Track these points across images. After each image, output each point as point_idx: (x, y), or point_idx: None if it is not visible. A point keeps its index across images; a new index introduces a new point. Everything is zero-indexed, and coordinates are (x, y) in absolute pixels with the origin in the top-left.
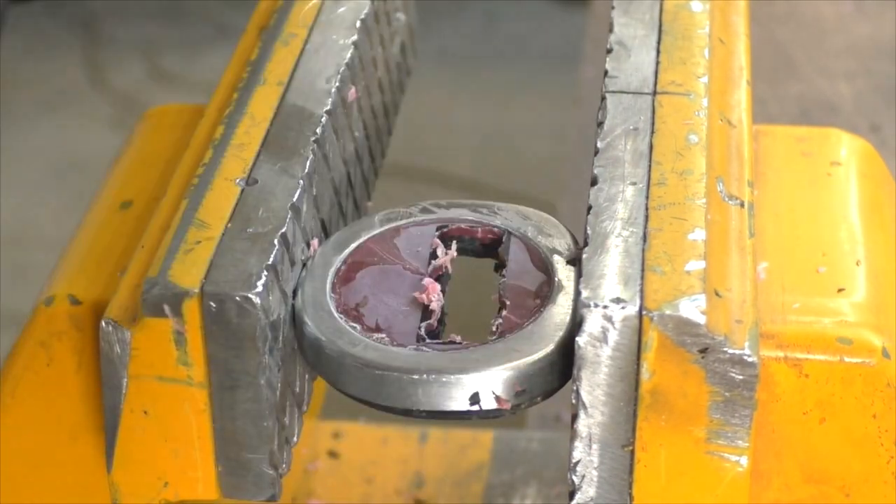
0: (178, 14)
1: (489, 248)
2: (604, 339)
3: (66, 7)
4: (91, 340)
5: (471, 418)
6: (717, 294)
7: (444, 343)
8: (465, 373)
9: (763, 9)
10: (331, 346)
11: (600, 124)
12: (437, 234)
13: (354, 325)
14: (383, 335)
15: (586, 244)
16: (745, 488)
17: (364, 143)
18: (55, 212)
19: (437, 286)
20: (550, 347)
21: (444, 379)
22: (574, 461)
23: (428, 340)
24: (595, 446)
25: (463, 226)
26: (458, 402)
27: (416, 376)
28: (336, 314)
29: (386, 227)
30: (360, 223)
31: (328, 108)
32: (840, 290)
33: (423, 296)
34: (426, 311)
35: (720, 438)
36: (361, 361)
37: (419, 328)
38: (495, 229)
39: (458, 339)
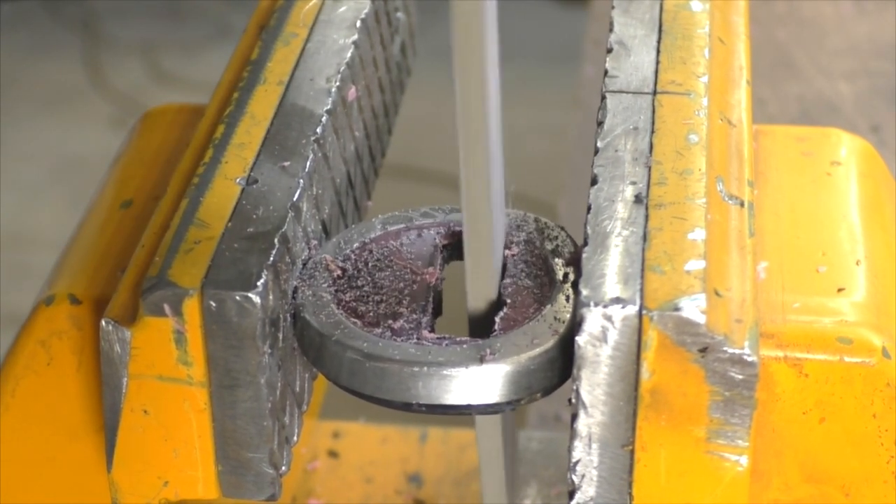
0: (178, 14)
1: None
2: (604, 338)
3: (66, 7)
4: (91, 340)
5: (470, 413)
6: (716, 293)
7: (444, 338)
8: (464, 366)
9: (763, 9)
10: (332, 340)
11: (600, 124)
12: (437, 238)
13: (355, 320)
14: (384, 330)
15: (586, 244)
16: (745, 488)
17: (364, 143)
18: (55, 212)
19: (438, 272)
20: (550, 343)
21: (444, 372)
22: (574, 461)
23: (428, 335)
24: (595, 446)
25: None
26: (457, 395)
27: (416, 369)
28: (336, 310)
29: (386, 229)
30: (360, 226)
31: (328, 107)
32: (840, 290)
33: (427, 276)
34: (426, 308)
35: (720, 438)
36: (362, 354)
37: (420, 323)
38: None
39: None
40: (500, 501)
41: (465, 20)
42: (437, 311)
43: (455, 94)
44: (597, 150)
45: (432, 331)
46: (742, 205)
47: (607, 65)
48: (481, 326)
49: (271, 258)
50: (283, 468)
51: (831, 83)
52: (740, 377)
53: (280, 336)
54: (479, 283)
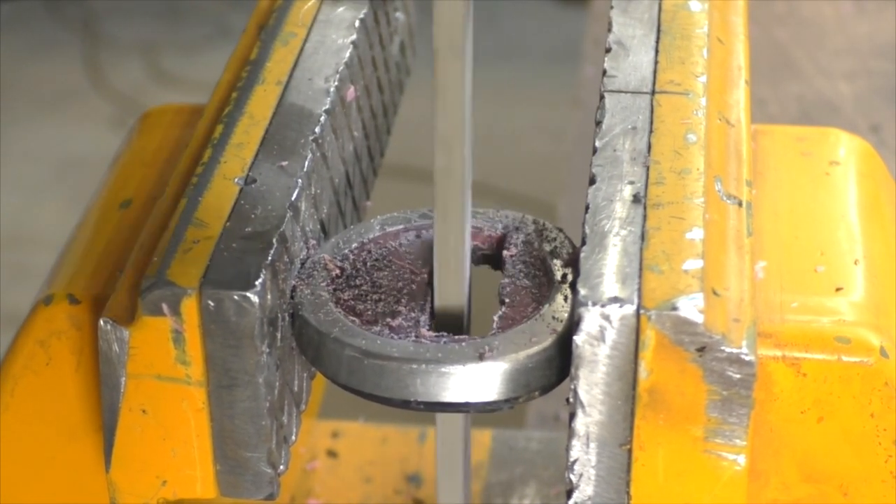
0: (178, 14)
1: (488, 252)
2: (602, 338)
3: (66, 7)
4: (90, 339)
5: (468, 411)
6: (714, 293)
7: (442, 336)
8: (463, 363)
9: (763, 9)
10: (330, 338)
11: (598, 123)
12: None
13: (354, 318)
14: (382, 328)
15: (584, 243)
16: (743, 487)
17: (363, 143)
18: (55, 212)
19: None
20: (548, 342)
21: (442, 369)
22: (572, 460)
23: (427, 333)
24: (593, 445)
25: None
26: (455, 393)
27: (414, 366)
28: (335, 309)
29: (385, 230)
30: (359, 226)
31: (327, 107)
32: (838, 290)
33: (425, 276)
34: (424, 307)
35: (718, 437)
36: (361, 352)
37: (418, 321)
38: (494, 234)
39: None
40: (457, 502)
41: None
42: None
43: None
44: (595, 150)
45: (431, 329)
46: (740, 204)
47: (606, 64)
48: (452, 326)
49: (269, 258)
50: (282, 467)
51: (831, 83)
52: (738, 376)
53: (278, 335)
54: (446, 285)
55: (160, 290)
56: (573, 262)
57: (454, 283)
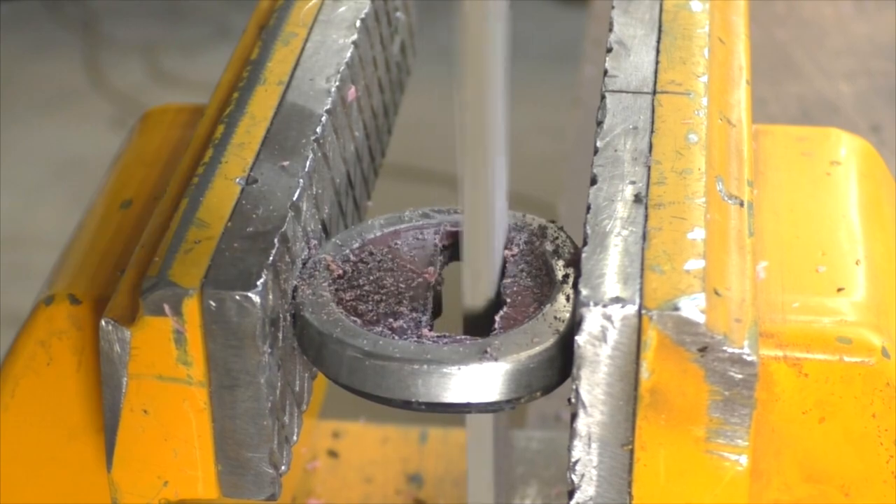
0: (178, 14)
1: None
2: (603, 338)
3: (66, 7)
4: (91, 340)
5: (470, 411)
6: (716, 293)
7: (444, 336)
8: (464, 364)
9: (763, 9)
10: (331, 338)
11: (600, 124)
12: (436, 238)
13: (355, 319)
14: (384, 329)
15: (585, 243)
16: (745, 487)
17: (364, 143)
18: (55, 212)
19: (437, 272)
20: (550, 342)
21: (444, 370)
22: (573, 460)
23: (428, 333)
24: (594, 445)
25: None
26: (457, 393)
27: (416, 367)
28: (336, 309)
29: (386, 230)
30: (360, 226)
31: (328, 107)
32: (840, 290)
33: (426, 276)
34: (426, 307)
35: (720, 437)
36: (362, 352)
37: (420, 322)
38: None
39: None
40: (487, 502)
41: (470, 12)
42: (437, 311)
43: (457, 89)
44: (596, 150)
45: (432, 330)
46: (742, 204)
47: (607, 64)
48: (477, 327)
49: (271, 258)
50: (283, 468)
51: (831, 83)
52: (740, 377)
53: (280, 336)
54: (477, 283)
55: (161, 290)
56: (575, 262)
57: (484, 284)
